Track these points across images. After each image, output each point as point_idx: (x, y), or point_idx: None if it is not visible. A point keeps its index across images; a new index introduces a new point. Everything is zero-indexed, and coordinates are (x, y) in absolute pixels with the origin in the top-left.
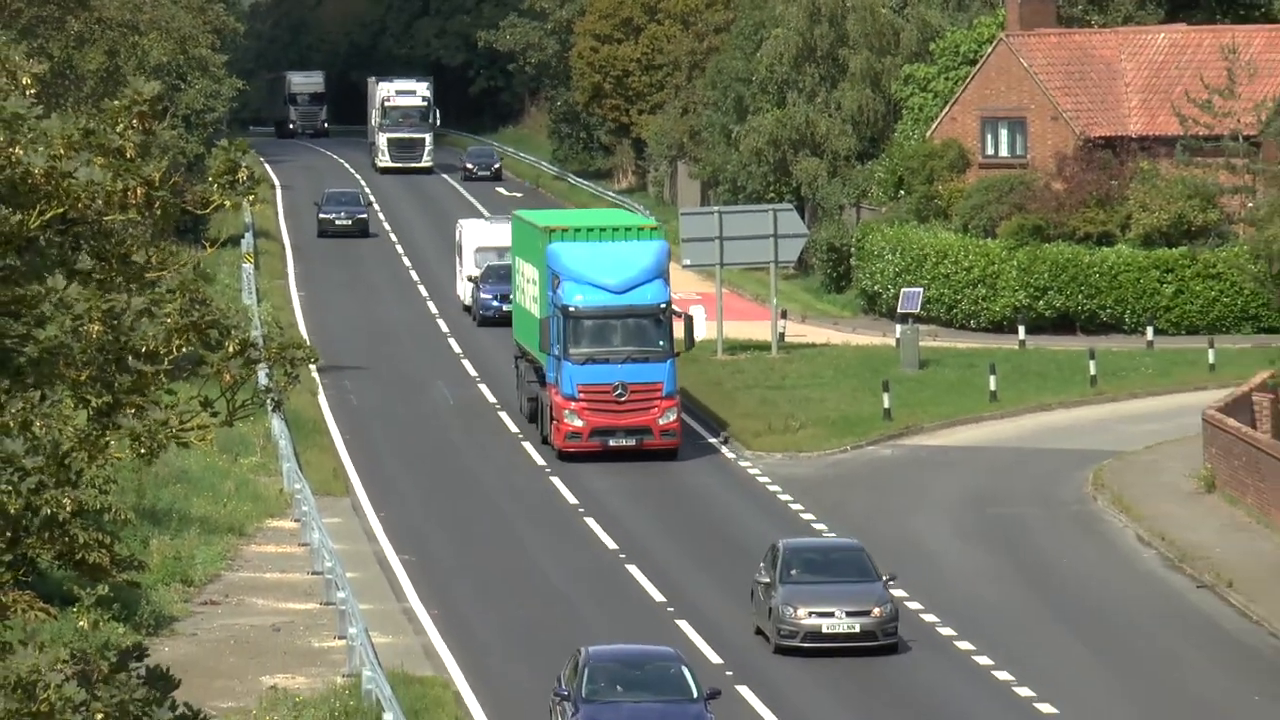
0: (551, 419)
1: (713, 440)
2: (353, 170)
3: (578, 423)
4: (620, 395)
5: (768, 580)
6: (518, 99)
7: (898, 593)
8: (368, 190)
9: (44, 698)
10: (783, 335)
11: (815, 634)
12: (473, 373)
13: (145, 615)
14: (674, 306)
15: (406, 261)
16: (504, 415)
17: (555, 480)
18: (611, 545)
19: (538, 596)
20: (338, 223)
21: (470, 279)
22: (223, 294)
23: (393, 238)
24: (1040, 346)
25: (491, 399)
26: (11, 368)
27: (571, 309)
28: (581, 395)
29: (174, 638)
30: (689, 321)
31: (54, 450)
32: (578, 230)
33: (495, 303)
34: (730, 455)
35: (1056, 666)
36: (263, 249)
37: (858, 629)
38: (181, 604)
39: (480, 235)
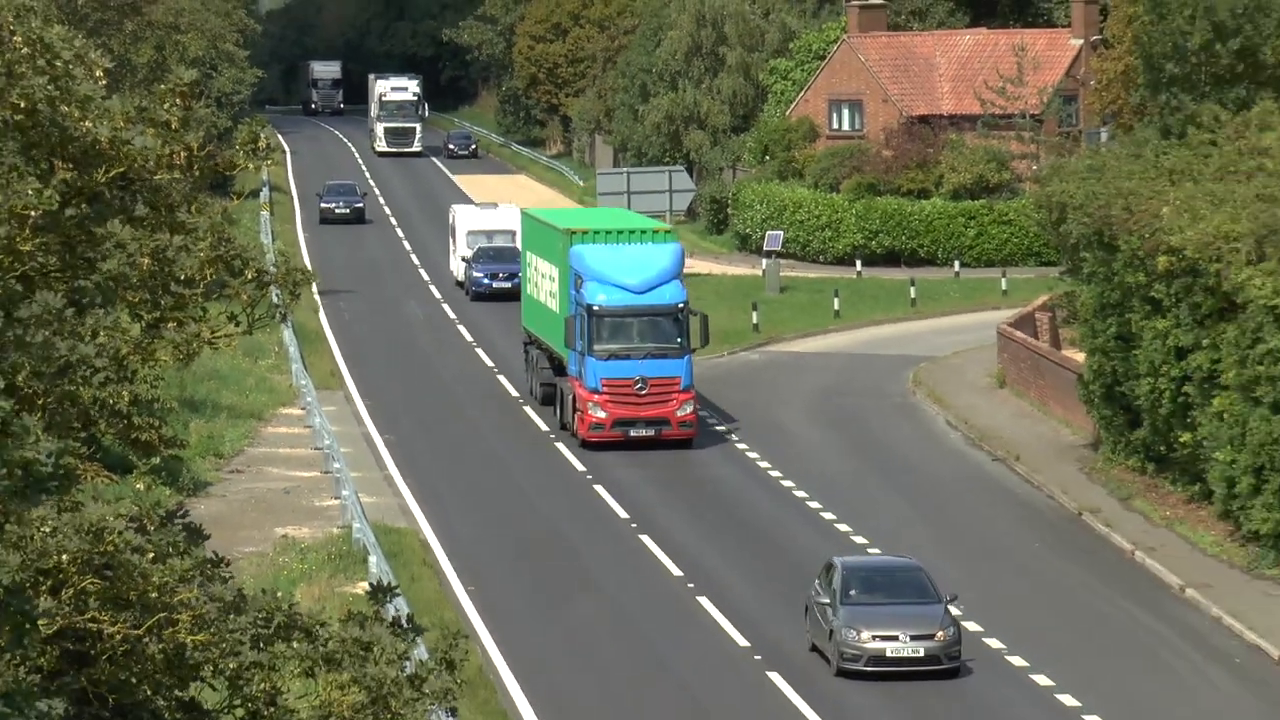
0: (575, 409)
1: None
2: (353, 148)
3: (601, 414)
4: (641, 389)
5: (826, 600)
6: (473, 84)
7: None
8: (367, 175)
9: (110, 540)
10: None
11: (879, 658)
12: (452, 316)
13: (186, 481)
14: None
15: (400, 234)
16: (461, 328)
17: (501, 378)
18: (544, 427)
19: (485, 462)
20: (337, 211)
21: (464, 259)
22: (244, 235)
23: (385, 207)
24: (873, 276)
25: (452, 315)
26: (80, 292)
27: (596, 308)
28: (605, 388)
29: (208, 498)
30: (704, 320)
31: (115, 355)
32: (597, 232)
33: (487, 280)
34: None
35: (885, 522)
36: (276, 200)
37: (922, 653)
38: (214, 472)
39: (471, 219)
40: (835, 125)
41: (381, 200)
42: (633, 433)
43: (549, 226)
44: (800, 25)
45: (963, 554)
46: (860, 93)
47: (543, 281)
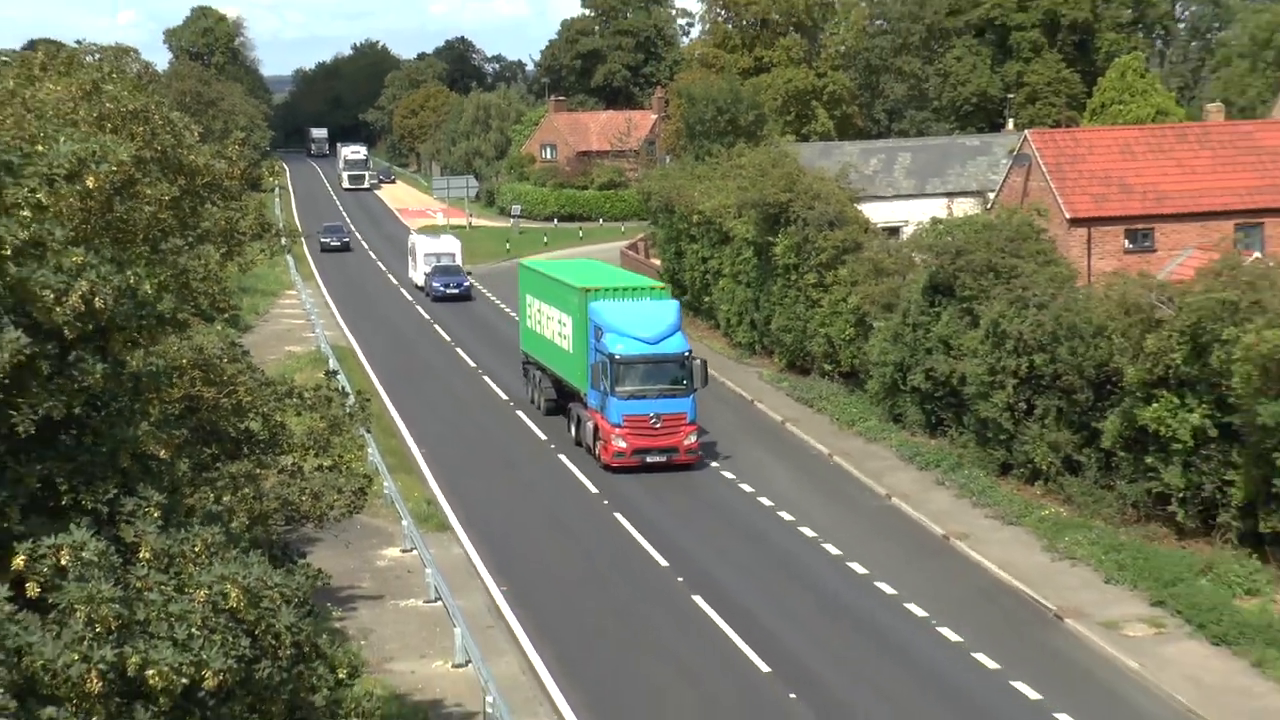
0: (597, 438)
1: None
2: (324, 178)
3: (622, 444)
4: (655, 424)
5: None
6: (373, 137)
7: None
8: (334, 197)
9: (206, 352)
10: (469, 224)
11: None
12: (411, 300)
13: (241, 325)
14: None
15: (352, 226)
16: (380, 265)
17: (402, 291)
18: (408, 296)
19: (387, 320)
20: (332, 245)
21: (425, 274)
22: (267, 212)
23: (345, 214)
24: (562, 227)
25: (393, 280)
26: (186, 239)
27: (617, 357)
28: (625, 423)
29: (251, 333)
30: (703, 365)
31: (207, 265)
32: (607, 290)
33: (442, 288)
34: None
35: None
36: (282, 194)
37: None
38: (254, 321)
39: (427, 245)
40: (544, 156)
41: (343, 211)
42: (648, 459)
43: (560, 282)
44: (526, 108)
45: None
46: (555, 141)
47: (548, 322)
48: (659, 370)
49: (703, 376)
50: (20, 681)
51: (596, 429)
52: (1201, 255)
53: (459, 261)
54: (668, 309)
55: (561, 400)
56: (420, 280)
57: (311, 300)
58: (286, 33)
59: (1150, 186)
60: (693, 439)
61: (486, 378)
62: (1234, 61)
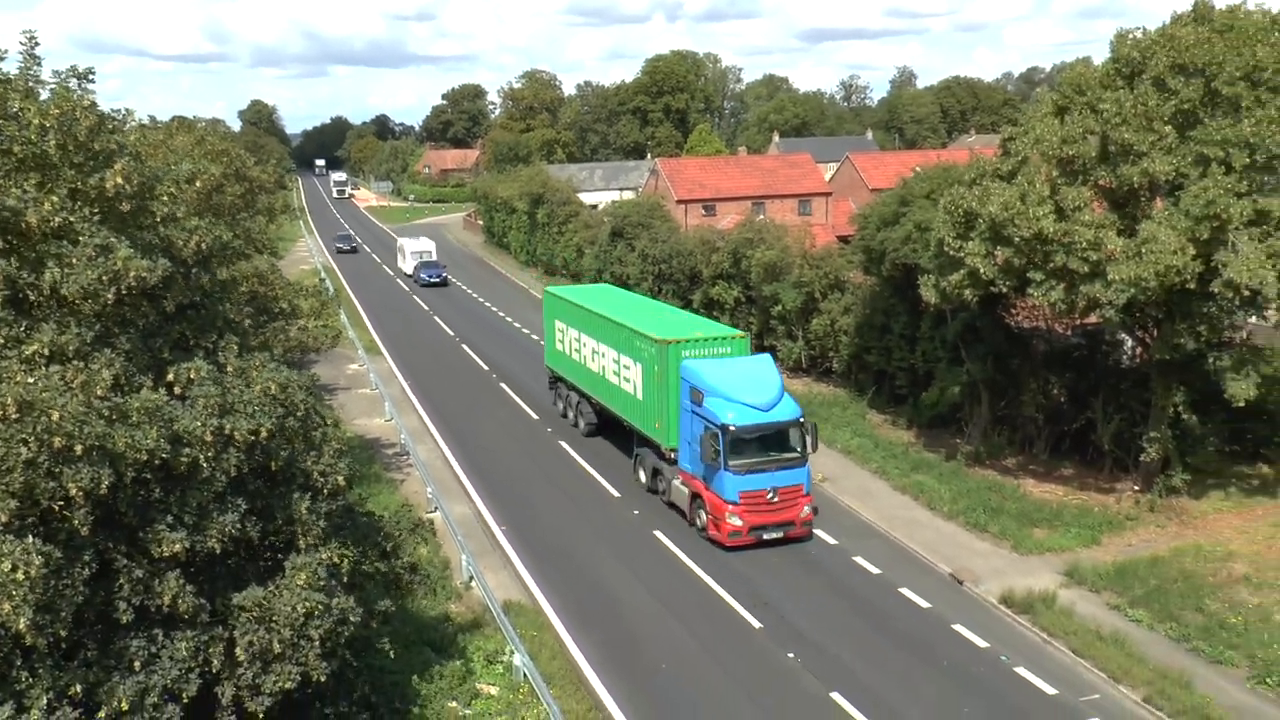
0: (699, 507)
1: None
2: (321, 191)
3: (738, 522)
4: (773, 499)
5: None
6: (343, 164)
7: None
8: (329, 204)
9: (262, 271)
10: (389, 204)
11: None
12: (405, 288)
13: (277, 255)
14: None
15: (340, 219)
16: (389, 270)
17: (376, 257)
18: (388, 272)
19: (374, 271)
20: (343, 250)
21: (414, 266)
22: (288, 199)
23: (337, 214)
24: (435, 205)
25: (385, 266)
26: (249, 213)
27: (732, 429)
28: (741, 500)
29: (281, 260)
30: (814, 429)
31: (260, 227)
32: (687, 341)
33: (427, 278)
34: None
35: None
36: (294, 190)
37: None
38: (283, 254)
39: (412, 245)
40: (425, 171)
41: (333, 209)
42: (765, 536)
43: (617, 324)
44: (416, 147)
45: (476, 293)
46: (430, 164)
47: (594, 356)
48: (774, 439)
49: (814, 441)
50: (171, 436)
51: (697, 499)
52: (737, 217)
53: (436, 257)
54: (771, 369)
55: (603, 426)
56: (409, 270)
57: (313, 244)
58: (298, 111)
59: (713, 185)
60: (807, 510)
61: (398, 280)
62: (750, 128)
